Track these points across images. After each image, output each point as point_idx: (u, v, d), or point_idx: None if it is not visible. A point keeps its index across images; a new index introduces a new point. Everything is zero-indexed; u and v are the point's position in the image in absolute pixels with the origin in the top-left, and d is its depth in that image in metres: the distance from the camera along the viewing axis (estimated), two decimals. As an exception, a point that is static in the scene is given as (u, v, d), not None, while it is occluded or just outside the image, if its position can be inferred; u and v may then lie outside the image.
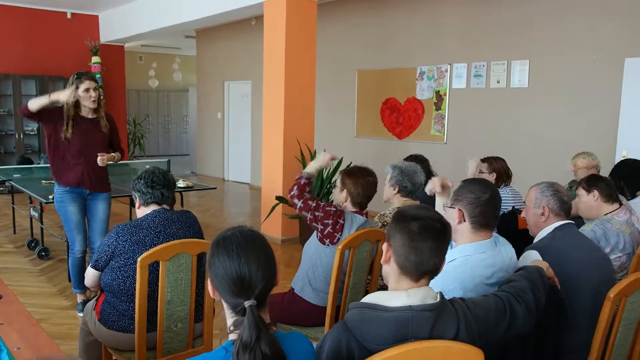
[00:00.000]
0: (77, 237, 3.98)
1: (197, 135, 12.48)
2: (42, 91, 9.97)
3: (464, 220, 2.01)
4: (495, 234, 2.08)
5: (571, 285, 2.11)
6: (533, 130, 6.18)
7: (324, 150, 6.22)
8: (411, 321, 1.45)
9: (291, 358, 1.37)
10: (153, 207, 2.62)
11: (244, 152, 10.99)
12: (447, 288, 1.86)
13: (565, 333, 2.16)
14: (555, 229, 2.36)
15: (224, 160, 11.61)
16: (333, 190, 5.83)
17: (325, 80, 8.32)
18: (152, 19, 9.15)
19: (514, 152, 6.00)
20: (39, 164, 8.77)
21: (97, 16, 10.71)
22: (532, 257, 2.16)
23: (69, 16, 10.35)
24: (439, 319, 1.48)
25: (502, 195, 3.89)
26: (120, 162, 4.40)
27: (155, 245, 2.39)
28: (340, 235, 2.75)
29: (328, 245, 2.78)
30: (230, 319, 1.41)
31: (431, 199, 2.90)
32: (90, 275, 2.61)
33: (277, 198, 6.12)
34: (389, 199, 3.24)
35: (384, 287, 1.75)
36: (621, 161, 4.16)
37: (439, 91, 7.13)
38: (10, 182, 6.00)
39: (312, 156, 6.31)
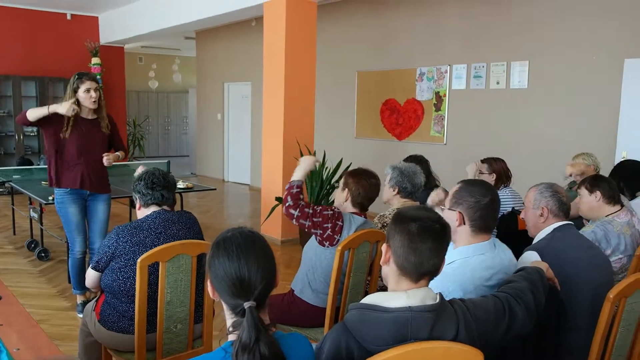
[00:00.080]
0: (77, 238, 3.98)
1: (197, 137, 12.49)
2: (42, 92, 9.98)
3: (464, 224, 2.00)
4: (494, 238, 2.08)
5: (570, 286, 2.11)
6: (533, 131, 6.18)
7: (314, 153, 6.27)
8: (411, 322, 1.45)
9: (291, 359, 1.37)
10: (153, 208, 2.62)
11: (244, 153, 10.99)
12: (446, 290, 1.85)
13: (565, 334, 2.16)
14: (555, 229, 2.36)
15: (224, 161, 11.61)
16: (334, 191, 5.85)
17: (325, 81, 8.32)
18: (152, 20, 9.16)
19: (513, 153, 6.01)
20: (38, 165, 8.77)
21: (97, 17, 10.72)
22: (531, 258, 2.16)
23: (68, 17, 10.36)
24: (439, 320, 1.48)
25: (501, 196, 3.92)
26: (120, 163, 4.40)
27: (156, 247, 2.39)
28: (340, 236, 2.75)
29: (328, 247, 2.77)
30: (229, 319, 1.41)
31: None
32: (91, 276, 2.62)
33: (277, 199, 6.12)
34: (388, 200, 3.24)
35: (384, 288, 1.75)
36: (621, 162, 4.16)
37: (438, 92, 7.13)
38: (10, 183, 6.00)
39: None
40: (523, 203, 2.99)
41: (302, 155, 6.22)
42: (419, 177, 3.20)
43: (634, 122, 5.31)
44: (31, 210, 5.58)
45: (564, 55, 5.86)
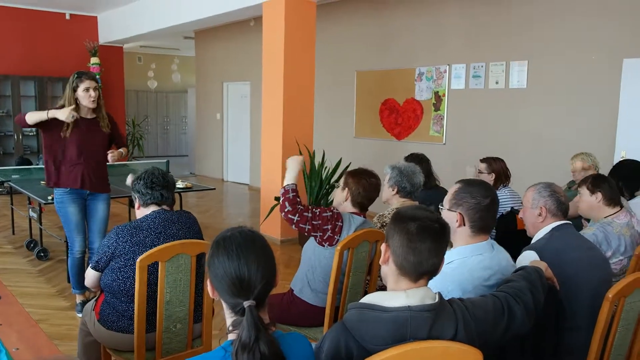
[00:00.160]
0: (77, 238, 3.98)
1: (196, 136, 12.48)
2: (41, 92, 9.98)
3: (464, 225, 2.00)
4: (492, 241, 2.08)
5: (570, 285, 2.11)
6: (532, 131, 6.19)
7: (313, 153, 6.27)
8: (410, 321, 1.45)
9: (290, 358, 1.37)
10: (153, 208, 2.62)
11: (243, 153, 10.99)
12: (445, 290, 1.85)
13: (564, 333, 2.16)
14: (553, 229, 2.36)
15: (223, 161, 11.61)
16: (334, 190, 5.85)
17: (324, 81, 8.32)
18: (151, 20, 9.16)
19: (512, 152, 6.01)
20: (37, 164, 8.76)
21: (96, 17, 10.72)
22: (529, 257, 2.16)
23: (67, 17, 10.35)
24: (438, 320, 1.48)
25: (500, 196, 3.93)
26: (120, 162, 4.40)
27: (156, 246, 2.39)
28: (340, 237, 2.75)
29: (327, 247, 2.77)
30: (229, 319, 1.41)
31: (430, 200, 2.91)
32: (91, 276, 2.61)
33: (276, 199, 6.12)
34: (387, 199, 3.24)
35: (383, 288, 1.75)
36: (620, 162, 4.16)
37: (437, 92, 7.14)
38: (9, 183, 6.00)
39: (312, 157, 6.33)
40: (522, 203, 3.00)
41: (301, 155, 6.24)
42: (418, 177, 3.20)
43: (633, 121, 5.31)
44: (30, 210, 5.58)
45: (563, 55, 5.86)
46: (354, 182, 2.85)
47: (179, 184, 5.71)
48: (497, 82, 6.47)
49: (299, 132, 6.39)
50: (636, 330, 2.08)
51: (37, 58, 9.98)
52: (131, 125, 14.08)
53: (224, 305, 1.43)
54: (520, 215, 2.56)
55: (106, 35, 10.57)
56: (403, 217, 1.57)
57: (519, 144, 6.29)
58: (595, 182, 3.02)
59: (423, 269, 1.53)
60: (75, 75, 3.79)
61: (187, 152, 14.78)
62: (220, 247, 1.42)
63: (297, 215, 2.77)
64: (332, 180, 6.28)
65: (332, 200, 5.38)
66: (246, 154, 10.88)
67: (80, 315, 3.95)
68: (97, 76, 9.78)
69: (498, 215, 3.82)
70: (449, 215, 2.01)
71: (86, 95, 3.77)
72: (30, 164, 9.16)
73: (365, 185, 2.84)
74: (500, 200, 3.92)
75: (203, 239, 2.63)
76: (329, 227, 2.75)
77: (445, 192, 2.14)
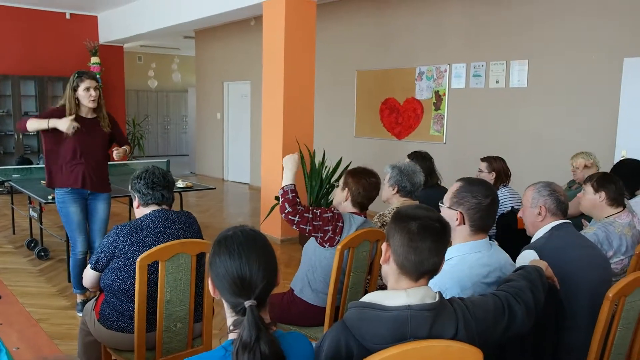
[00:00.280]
0: (79, 238, 3.98)
1: (197, 136, 12.49)
2: (41, 92, 9.98)
3: (464, 223, 2.01)
4: (491, 241, 2.08)
5: (570, 284, 2.11)
6: (532, 130, 6.18)
7: (313, 153, 6.27)
8: (410, 320, 1.45)
9: (291, 358, 1.37)
10: (152, 208, 2.62)
11: (243, 153, 10.99)
12: (444, 286, 1.86)
13: (564, 333, 2.16)
14: (552, 228, 2.35)
15: (224, 160, 11.61)
16: (334, 190, 5.85)
17: (325, 80, 8.32)
18: (151, 20, 9.16)
19: (513, 152, 6.01)
20: (38, 164, 8.76)
21: (96, 17, 10.71)
22: (529, 257, 2.16)
23: (68, 17, 10.35)
24: (438, 319, 1.48)
25: (501, 195, 3.93)
26: (120, 162, 4.40)
27: (155, 246, 2.39)
28: (340, 237, 2.74)
29: (328, 248, 2.77)
30: (230, 318, 1.41)
31: (430, 199, 2.90)
32: (90, 276, 2.61)
33: (277, 198, 6.12)
34: (388, 199, 3.24)
35: (383, 287, 1.75)
36: (620, 161, 4.17)
37: (438, 91, 7.14)
38: (10, 182, 6.00)
39: (312, 156, 6.33)
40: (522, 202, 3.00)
41: (301, 154, 6.23)
42: (418, 176, 3.20)
43: (633, 121, 5.31)
44: (31, 209, 5.58)
45: (563, 54, 5.86)
46: (353, 181, 2.84)
47: (179, 184, 5.72)
48: (497, 82, 6.47)
49: (299, 132, 6.39)
50: (636, 329, 2.08)
51: (37, 58, 9.98)
52: (131, 125, 14.08)
53: (225, 304, 1.43)
54: (519, 214, 2.56)
55: (106, 34, 10.57)
56: (404, 217, 1.57)
57: (519, 143, 6.29)
58: (601, 181, 3.00)
59: (424, 268, 1.53)
60: (76, 75, 3.79)
61: (188, 152, 14.78)
62: (221, 246, 1.42)
63: (298, 216, 2.76)
64: (333, 179, 6.29)
65: (333, 200, 5.38)
66: (246, 154, 10.88)
67: (80, 314, 3.95)
68: (98, 76, 9.82)
69: (498, 215, 3.83)
70: (449, 213, 2.02)
71: (87, 94, 3.77)
72: (31, 163, 9.16)
73: (365, 185, 2.83)
74: (500, 200, 3.92)
75: (203, 239, 2.63)
76: (330, 227, 2.75)
77: (445, 191, 2.14)
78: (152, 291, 2.41)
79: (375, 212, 3.38)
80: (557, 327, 2.14)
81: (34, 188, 5.48)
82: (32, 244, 5.78)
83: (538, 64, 6.09)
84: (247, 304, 1.34)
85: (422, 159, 3.94)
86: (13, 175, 6.53)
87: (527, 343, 1.97)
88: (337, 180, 5.92)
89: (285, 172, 2.94)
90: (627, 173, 3.65)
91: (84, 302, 4.01)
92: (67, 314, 4.10)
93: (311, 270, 2.83)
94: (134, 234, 2.49)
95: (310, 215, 2.76)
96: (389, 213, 3.14)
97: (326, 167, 6.39)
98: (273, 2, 6.33)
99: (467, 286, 1.89)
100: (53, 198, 4.17)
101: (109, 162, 4.14)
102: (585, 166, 4.23)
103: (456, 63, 6.90)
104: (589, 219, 3.56)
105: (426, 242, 1.52)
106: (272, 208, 6.19)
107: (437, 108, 7.17)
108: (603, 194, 2.97)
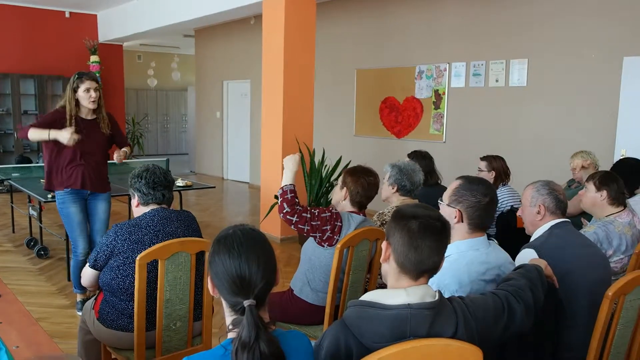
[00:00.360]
0: (80, 239, 3.97)
1: (196, 135, 12.48)
2: (40, 90, 9.98)
3: (462, 221, 2.01)
4: (490, 240, 2.08)
5: (569, 283, 2.11)
6: (532, 129, 6.18)
7: (313, 152, 6.27)
8: (410, 319, 1.45)
9: (290, 357, 1.37)
10: (152, 207, 2.61)
11: (243, 151, 10.99)
12: (442, 283, 1.87)
13: (564, 331, 2.16)
14: (552, 227, 2.35)
15: (223, 159, 11.61)
16: (333, 189, 5.85)
17: (324, 79, 8.32)
18: (150, 18, 9.15)
19: (512, 151, 6.01)
20: (37, 163, 8.76)
21: (95, 15, 10.71)
22: (528, 255, 2.16)
23: (67, 15, 10.35)
24: (438, 317, 1.48)
25: (500, 194, 3.93)
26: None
27: (155, 244, 2.39)
28: (339, 237, 2.74)
29: (327, 248, 2.77)
30: (229, 317, 1.41)
31: (430, 198, 2.90)
32: (89, 274, 2.60)
33: (276, 197, 6.11)
34: (387, 197, 3.24)
35: (383, 286, 1.75)
36: (620, 160, 4.16)
37: (437, 90, 7.13)
38: (9, 181, 6.00)
39: (312, 155, 6.33)
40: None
41: (301, 153, 6.23)
42: (418, 175, 3.20)
43: (633, 120, 5.31)
44: (30, 208, 5.58)
45: (563, 54, 5.86)
46: (352, 181, 2.84)
47: (179, 182, 5.73)
48: (497, 80, 6.47)
49: (299, 130, 6.39)
50: (636, 328, 2.08)
51: (36, 56, 9.98)
52: (131, 124, 14.08)
53: (224, 303, 1.42)
54: (519, 213, 2.56)
55: (106, 33, 10.57)
56: (404, 215, 1.56)
57: (519, 142, 6.29)
58: (603, 180, 3.00)
59: (424, 267, 1.53)
60: (76, 76, 3.79)
61: (187, 151, 14.77)
62: (221, 245, 1.42)
63: (296, 216, 2.76)
64: (332, 178, 6.29)
65: (331, 199, 5.37)
66: (246, 152, 10.88)
67: (80, 313, 3.95)
68: (97, 74, 9.82)
69: (498, 213, 3.83)
70: (448, 210, 2.02)
71: (87, 95, 3.76)
72: (30, 162, 9.16)
73: (363, 184, 2.83)
74: (500, 199, 3.92)
75: (202, 237, 2.63)
76: (328, 227, 2.74)
77: (445, 190, 2.14)
78: (152, 290, 2.41)
79: (375, 211, 3.38)
80: (556, 325, 2.14)
81: (33, 187, 5.48)
82: (32, 243, 5.77)
83: (538, 63, 6.08)
84: (246, 303, 1.34)
85: (422, 158, 3.95)
86: (12, 174, 6.53)
87: (526, 342, 1.98)
88: (337, 179, 5.91)
89: (285, 172, 2.94)
90: (627, 172, 3.65)
91: (83, 301, 4.01)
92: (67, 313, 4.09)
93: (310, 269, 2.82)
94: (133, 233, 2.49)
95: (309, 215, 2.76)
96: (389, 212, 3.14)
97: (326, 166, 6.39)
98: (273, 1, 6.33)
99: (466, 282, 1.89)
100: (53, 197, 4.16)
101: (108, 162, 4.13)
102: (583, 167, 4.24)
103: (456, 62, 6.90)
104: (588, 218, 3.56)
105: (426, 241, 1.52)
106: (272, 207, 6.19)
107: (437, 107, 7.17)
108: (605, 193, 2.97)
